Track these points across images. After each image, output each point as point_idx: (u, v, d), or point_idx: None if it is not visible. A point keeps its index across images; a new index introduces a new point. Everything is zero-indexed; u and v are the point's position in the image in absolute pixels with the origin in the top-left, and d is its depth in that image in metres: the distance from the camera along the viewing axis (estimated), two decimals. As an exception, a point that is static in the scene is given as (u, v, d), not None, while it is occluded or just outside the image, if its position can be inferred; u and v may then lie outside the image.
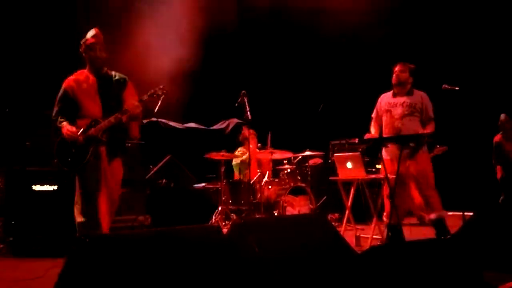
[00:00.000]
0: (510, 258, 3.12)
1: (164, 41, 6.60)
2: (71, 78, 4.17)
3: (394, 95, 5.18)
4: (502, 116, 7.40)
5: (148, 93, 4.19)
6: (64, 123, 4.02)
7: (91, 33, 4.14)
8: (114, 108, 4.09)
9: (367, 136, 5.14)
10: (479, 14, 8.29)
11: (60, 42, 6.15)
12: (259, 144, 7.32)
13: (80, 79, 4.14)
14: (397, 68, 5.14)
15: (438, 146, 7.44)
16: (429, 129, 4.95)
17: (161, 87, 4.22)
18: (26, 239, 4.82)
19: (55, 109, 4.14)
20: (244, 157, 7.07)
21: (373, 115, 5.36)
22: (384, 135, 5.15)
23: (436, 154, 7.24)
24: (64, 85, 4.16)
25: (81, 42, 4.13)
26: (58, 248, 4.56)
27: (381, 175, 5.11)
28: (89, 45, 4.10)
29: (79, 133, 3.97)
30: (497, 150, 7.51)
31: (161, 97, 4.24)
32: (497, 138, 7.51)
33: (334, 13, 7.40)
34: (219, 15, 7.54)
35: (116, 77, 4.24)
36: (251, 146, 6.69)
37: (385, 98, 5.26)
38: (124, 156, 4.29)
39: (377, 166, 7.56)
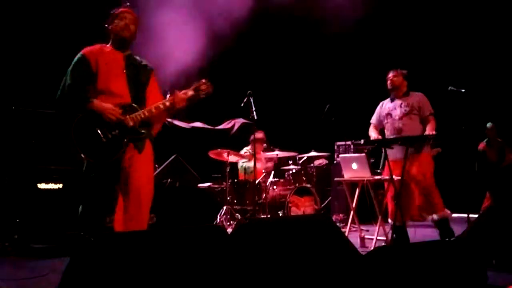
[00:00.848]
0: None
1: (171, 40, 6.60)
2: (91, 48, 3.50)
3: (392, 100, 5.35)
4: (489, 124, 7.52)
5: (193, 87, 3.63)
6: (96, 101, 3.32)
7: (122, 9, 3.56)
8: (140, 97, 3.52)
9: (373, 137, 5.23)
10: (485, 16, 8.26)
11: (67, 40, 6.17)
12: (264, 146, 7.31)
13: (104, 50, 3.50)
14: (390, 75, 5.34)
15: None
16: (432, 128, 5.01)
17: (204, 81, 3.67)
18: (30, 237, 4.83)
19: (70, 82, 3.35)
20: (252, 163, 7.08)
21: (373, 120, 5.50)
22: (389, 138, 5.22)
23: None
24: (84, 52, 3.45)
25: (110, 14, 3.56)
26: (63, 246, 4.58)
27: (386, 176, 5.12)
28: (119, 14, 3.52)
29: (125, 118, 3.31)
30: (480, 158, 7.71)
31: (204, 95, 3.68)
32: (481, 146, 7.64)
33: (342, 16, 7.38)
34: (227, 15, 7.53)
35: (143, 63, 3.67)
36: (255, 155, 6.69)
37: (385, 104, 5.44)
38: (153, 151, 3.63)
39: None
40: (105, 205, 3.36)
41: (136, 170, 3.40)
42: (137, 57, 3.66)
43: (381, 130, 5.46)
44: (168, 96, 3.57)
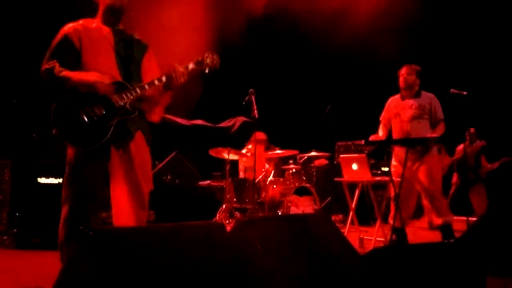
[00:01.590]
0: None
1: (173, 38, 6.59)
2: (75, 24, 3.07)
3: (403, 98, 5.16)
4: (472, 129, 7.65)
5: (195, 61, 3.18)
6: (75, 73, 2.90)
7: None
8: (133, 75, 3.11)
9: (372, 137, 5.12)
10: (487, 19, 8.25)
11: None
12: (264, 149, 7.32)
13: (89, 26, 3.08)
14: (403, 71, 5.12)
15: None
16: (438, 132, 4.92)
17: (209, 55, 3.23)
18: (30, 231, 4.84)
19: (49, 60, 2.94)
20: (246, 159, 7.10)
21: (381, 117, 5.34)
22: (394, 139, 5.15)
23: None
24: (65, 31, 3.02)
25: None
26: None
27: (388, 178, 5.12)
28: None
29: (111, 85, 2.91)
30: (460, 158, 7.78)
31: (209, 69, 3.23)
32: (461, 147, 7.71)
33: (342, 16, 7.38)
34: (230, 14, 7.54)
35: (135, 38, 3.24)
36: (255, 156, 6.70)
37: (394, 102, 5.25)
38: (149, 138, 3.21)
39: (383, 168, 7.56)
40: (97, 199, 2.98)
41: (129, 159, 3.02)
42: (128, 33, 3.22)
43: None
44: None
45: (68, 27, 3.05)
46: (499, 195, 7.53)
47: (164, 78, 3.06)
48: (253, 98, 5.87)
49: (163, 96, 3.21)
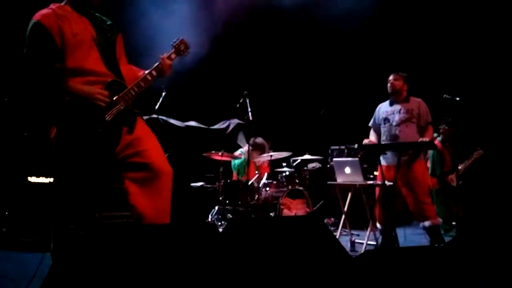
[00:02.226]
0: (503, 267, 3.12)
1: (166, 38, 6.59)
2: (48, 11, 2.76)
3: (391, 104, 5.27)
4: (446, 129, 7.58)
5: (175, 50, 3.20)
6: (73, 84, 2.71)
7: None
8: (117, 68, 2.99)
9: (366, 142, 5.20)
10: (480, 24, 8.30)
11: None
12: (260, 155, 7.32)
13: (66, 17, 2.78)
14: (390, 78, 5.25)
15: None
16: (428, 136, 4.99)
17: (181, 39, 3.25)
18: (19, 230, 4.80)
19: (35, 55, 2.66)
20: (242, 158, 7.08)
21: (371, 124, 5.43)
22: (383, 143, 5.21)
23: None
24: (37, 17, 2.70)
25: None
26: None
27: (379, 181, 5.13)
28: None
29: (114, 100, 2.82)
30: (437, 158, 7.59)
31: (186, 54, 3.25)
32: (438, 144, 7.68)
33: (338, 20, 7.40)
34: (223, 15, 7.54)
35: (108, 22, 3.07)
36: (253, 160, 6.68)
37: (382, 108, 5.36)
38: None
39: (375, 172, 7.56)
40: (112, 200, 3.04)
41: (143, 149, 3.00)
42: (102, 17, 3.07)
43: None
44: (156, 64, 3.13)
45: (42, 15, 2.73)
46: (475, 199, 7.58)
47: (154, 73, 3.07)
48: (248, 101, 5.88)
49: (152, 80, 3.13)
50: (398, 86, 5.17)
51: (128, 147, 2.95)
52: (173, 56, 3.20)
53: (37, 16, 2.72)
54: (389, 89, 5.23)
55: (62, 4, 2.89)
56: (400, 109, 5.14)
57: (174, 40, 3.27)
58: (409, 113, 5.09)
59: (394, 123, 5.14)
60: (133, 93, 2.94)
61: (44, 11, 2.76)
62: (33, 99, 2.86)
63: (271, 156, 6.80)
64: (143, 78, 3.02)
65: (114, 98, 2.86)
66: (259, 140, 7.11)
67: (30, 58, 2.69)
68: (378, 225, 5.17)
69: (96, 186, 2.89)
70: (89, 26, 2.87)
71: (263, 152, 7.18)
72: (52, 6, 2.82)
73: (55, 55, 2.71)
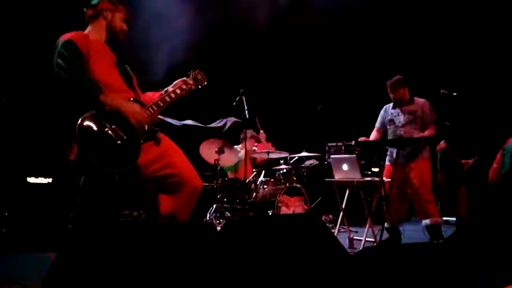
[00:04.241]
0: (503, 263, 3.13)
1: (162, 36, 6.58)
2: (77, 33, 3.03)
3: (395, 106, 5.38)
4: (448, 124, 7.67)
5: (193, 77, 3.37)
6: (114, 97, 2.88)
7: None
8: (134, 87, 3.19)
9: (361, 139, 5.25)
10: (477, 20, 8.32)
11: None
12: (255, 145, 7.31)
13: (90, 38, 3.05)
14: (390, 93, 5.31)
15: None
16: (427, 132, 5.06)
17: (198, 72, 3.43)
18: (19, 231, 4.80)
19: (71, 69, 2.81)
20: (240, 154, 7.07)
21: (377, 125, 5.56)
22: (381, 140, 5.30)
23: None
24: (67, 37, 2.94)
25: (104, 3, 3.14)
26: (52, 241, 4.55)
27: (378, 178, 5.16)
28: (120, 8, 3.19)
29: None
30: (443, 157, 7.82)
31: (201, 84, 3.45)
32: (442, 145, 7.75)
33: (335, 17, 7.41)
34: (219, 13, 7.53)
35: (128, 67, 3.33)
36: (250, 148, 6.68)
37: (388, 110, 5.48)
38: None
39: (373, 169, 7.58)
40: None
41: (171, 161, 3.17)
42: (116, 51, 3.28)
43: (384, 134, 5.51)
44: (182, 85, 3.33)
45: (71, 34, 2.98)
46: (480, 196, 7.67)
47: (179, 92, 3.27)
48: (244, 99, 5.88)
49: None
50: (399, 96, 5.28)
51: (156, 161, 3.12)
52: (191, 82, 3.37)
53: (68, 36, 2.94)
54: (393, 101, 5.35)
55: (86, 31, 3.14)
56: (404, 111, 5.27)
57: (192, 71, 3.45)
58: (413, 115, 5.21)
59: (399, 125, 5.27)
60: (152, 111, 3.10)
61: (73, 32, 3.00)
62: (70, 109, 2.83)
63: (268, 153, 6.80)
64: (162, 99, 3.19)
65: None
66: (249, 131, 7.12)
67: (70, 71, 2.82)
68: (386, 224, 5.17)
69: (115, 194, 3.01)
70: (110, 51, 3.14)
71: (257, 139, 7.20)
72: (79, 31, 3.08)
73: (80, 60, 2.89)
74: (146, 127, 3.01)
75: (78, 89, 2.80)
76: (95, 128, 2.78)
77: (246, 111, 5.88)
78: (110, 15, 3.16)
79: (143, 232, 2.30)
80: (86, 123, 2.75)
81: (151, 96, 3.33)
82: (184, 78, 3.37)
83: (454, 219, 7.10)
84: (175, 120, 8.59)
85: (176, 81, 3.35)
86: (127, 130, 2.91)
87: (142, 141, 3.00)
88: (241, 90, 5.91)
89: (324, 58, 9.05)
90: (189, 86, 3.32)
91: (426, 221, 5.04)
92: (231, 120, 9.07)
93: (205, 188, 7.09)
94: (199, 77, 3.44)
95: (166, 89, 3.32)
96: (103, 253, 2.08)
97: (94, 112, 2.80)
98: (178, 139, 7.61)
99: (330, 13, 7.20)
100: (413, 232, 5.68)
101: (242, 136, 7.12)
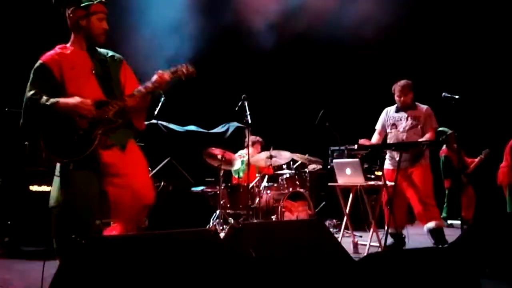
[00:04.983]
0: (507, 266, 3.11)
1: (164, 41, 6.58)
2: (52, 53, 3.21)
3: (398, 110, 5.37)
4: (449, 131, 7.62)
5: (171, 70, 3.34)
6: (62, 99, 3.04)
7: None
8: (115, 91, 3.26)
9: (362, 141, 5.23)
10: (479, 23, 8.31)
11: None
12: (259, 151, 7.30)
13: (66, 54, 3.21)
14: (398, 94, 5.30)
15: None
16: (428, 137, 5.06)
17: (184, 65, 3.38)
18: (21, 240, 4.79)
19: (33, 90, 3.07)
20: (243, 159, 7.06)
21: (377, 127, 5.53)
22: (383, 144, 5.30)
23: None
24: (43, 60, 3.16)
25: (74, 6, 3.19)
26: (54, 249, 4.54)
27: (381, 182, 5.15)
28: (97, 11, 3.21)
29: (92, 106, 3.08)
30: (445, 165, 7.89)
31: (185, 77, 3.37)
32: (445, 151, 7.75)
33: (335, 22, 7.41)
34: (222, 19, 7.55)
35: (109, 54, 3.40)
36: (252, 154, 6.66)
37: (390, 113, 5.45)
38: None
39: (376, 173, 7.57)
40: (91, 206, 3.09)
41: (125, 171, 3.21)
42: (102, 50, 3.38)
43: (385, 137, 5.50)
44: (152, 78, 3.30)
45: (46, 56, 3.18)
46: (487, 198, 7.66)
47: (151, 85, 3.25)
48: (246, 104, 5.87)
49: (144, 101, 3.35)
50: (408, 100, 5.28)
51: (116, 166, 3.19)
52: (167, 75, 3.32)
53: (42, 58, 3.18)
54: (399, 104, 5.33)
55: (67, 44, 3.29)
56: (407, 116, 5.28)
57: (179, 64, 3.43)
58: (415, 120, 5.23)
59: (401, 129, 5.27)
60: (115, 106, 3.17)
61: (48, 53, 3.20)
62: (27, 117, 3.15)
63: (271, 158, 6.78)
64: (137, 89, 3.26)
65: (99, 110, 3.13)
66: (252, 137, 7.11)
67: (30, 88, 3.11)
68: (389, 228, 5.15)
69: (91, 190, 3.10)
70: (87, 59, 3.25)
71: (261, 147, 7.19)
72: (57, 47, 3.26)
73: (55, 88, 3.11)
74: (102, 116, 3.12)
75: (34, 107, 3.06)
76: (53, 128, 3.05)
77: (249, 116, 5.87)
78: (85, 21, 3.21)
79: (145, 241, 2.29)
80: (47, 126, 3.05)
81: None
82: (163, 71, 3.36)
83: (459, 222, 7.07)
84: (178, 126, 8.60)
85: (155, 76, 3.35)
86: (84, 124, 3.08)
87: (100, 131, 3.10)
88: (243, 95, 5.90)
89: (326, 62, 9.05)
90: (164, 78, 3.30)
91: (429, 225, 5.03)
92: (233, 125, 9.08)
93: (208, 194, 7.08)
94: (183, 70, 3.38)
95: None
96: (107, 261, 2.07)
97: (54, 114, 3.04)
98: (181, 144, 7.62)
99: (333, 21, 7.21)
100: (417, 236, 5.65)
101: (246, 141, 7.10)
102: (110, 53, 3.41)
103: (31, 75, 3.15)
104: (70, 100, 3.05)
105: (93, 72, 3.23)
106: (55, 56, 3.18)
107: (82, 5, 3.18)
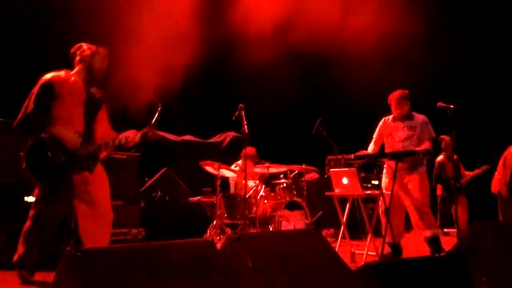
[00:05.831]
0: (503, 273, 3.11)
1: (162, 51, 6.59)
2: (58, 75, 3.73)
3: (395, 120, 5.39)
4: (447, 137, 7.63)
5: (141, 133, 3.92)
6: (58, 126, 3.59)
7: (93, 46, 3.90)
8: (91, 128, 3.81)
9: (360, 152, 5.25)
10: (474, 32, 8.37)
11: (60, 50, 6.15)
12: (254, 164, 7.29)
13: (69, 79, 3.74)
14: (395, 105, 5.33)
15: None
16: (424, 146, 5.06)
17: (151, 128, 3.97)
18: (16, 251, 4.75)
19: (33, 104, 3.57)
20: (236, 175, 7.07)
21: (374, 136, 5.51)
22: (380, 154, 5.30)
23: None
24: (50, 79, 3.66)
25: (85, 48, 3.87)
26: (50, 261, 4.51)
27: (378, 191, 5.15)
28: (102, 53, 3.88)
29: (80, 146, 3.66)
30: (439, 170, 7.86)
31: (149, 139, 3.99)
32: (440, 159, 7.77)
33: (331, 32, 7.45)
34: (219, 27, 7.57)
35: (98, 95, 3.94)
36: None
37: (387, 122, 5.47)
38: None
39: (373, 182, 7.58)
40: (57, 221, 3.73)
41: (92, 189, 3.73)
42: (94, 88, 3.91)
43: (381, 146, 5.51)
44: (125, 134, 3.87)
45: (52, 75, 3.68)
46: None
47: (117, 142, 3.81)
48: (243, 113, 5.88)
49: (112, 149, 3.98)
50: (405, 111, 5.31)
51: (83, 184, 3.71)
52: (139, 138, 3.88)
53: (49, 78, 3.66)
54: (397, 115, 5.34)
55: (72, 72, 3.81)
56: (404, 127, 5.29)
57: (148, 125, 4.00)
58: (412, 130, 5.24)
59: (397, 139, 5.27)
60: (91, 150, 3.72)
61: (55, 74, 3.70)
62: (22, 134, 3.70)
63: (268, 167, 6.78)
64: (105, 142, 3.79)
65: (80, 147, 3.67)
66: (249, 149, 7.09)
67: (31, 102, 3.58)
68: (386, 238, 5.15)
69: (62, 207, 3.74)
70: (83, 92, 3.76)
71: (255, 159, 7.18)
72: (62, 71, 3.77)
73: (52, 103, 3.61)
74: (76, 144, 3.64)
75: (28, 128, 3.59)
76: (38, 151, 3.56)
77: (246, 126, 5.88)
78: (89, 58, 3.82)
79: (142, 251, 2.28)
80: (33, 146, 3.56)
81: (108, 134, 3.95)
82: (135, 131, 3.92)
83: (455, 230, 7.07)
84: (175, 136, 8.60)
85: (127, 132, 3.91)
86: (63, 157, 3.59)
87: (75, 170, 3.66)
88: (240, 105, 5.91)
89: (322, 71, 9.08)
90: (134, 141, 3.88)
91: (426, 233, 5.04)
92: (230, 135, 9.09)
93: (205, 203, 7.07)
94: (149, 134, 3.93)
95: (117, 136, 3.90)
96: (103, 273, 2.06)
97: (36, 139, 3.56)
98: (178, 154, 7.59)
99: (329, 29, 7.24)
100: (413, 245, 5.66)
101: (242, 153, 7.10)
102: (99, 94, 3.93)
103: (38, 90, 3.61)
104: (64, 131, 3.60)
105: (84, 104, 3.74)
106: (61, 78, 3.68)
107: (85, 47, 3.84)
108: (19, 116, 3.60)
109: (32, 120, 3.57)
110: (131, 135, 3.85)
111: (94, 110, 3.84)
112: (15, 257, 3.75)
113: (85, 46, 3.88)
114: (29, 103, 3.59)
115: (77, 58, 3.86)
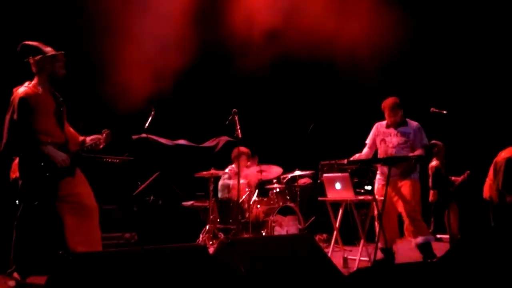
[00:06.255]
0: (495, 280, 3.12)
1: (154, 56, 6.59)
2: (28, 89, 3.81)
3: (388, 126, 5.39)
4: (440, 143, 7.65)
5: (91, 141, 4.14)
6: (50, 146, 3.78)
7: (49, 48, 3.92)
8: (64, 129, 3.97)
9: (354, 158, 5.26)
10: (468, 37, 8.42)
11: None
12: (248, 163, 7.29)
13: (36, 91, 3.82)
14: (388, 113, 5.33)
15: None
16: (417, 152, 5.09)
17: (103, 136, 4.14)
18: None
19: (24, 121, 3.69)
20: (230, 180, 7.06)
21: (368, 141, 5.53)
22: (372, 159, 5.31)
23: None
24: (24, 94, 3.73)
25: (42, 54, 3.85)
26: (46, 265, 4.48)
27: (371, 197, 5.16)
28: (59, 57, 3.91)
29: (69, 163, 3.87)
30: (435, 175, 7.82)
31: (100, 146, 4.18)
32: (435, 164, 7.78)
33: (325, 37, 7.47)
34: (212, 32, 7.58)
35: (60, 99, 4.04)
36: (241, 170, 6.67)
37: (380, 128, 5.47)
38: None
39: (366, 187, 7.59)
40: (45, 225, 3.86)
41: (74, 187, 3.89)
42: (55, 93, 4.01)
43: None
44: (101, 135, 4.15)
45: (24, 90, 3.77)
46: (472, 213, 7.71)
47: (94, 144, 4.08)
48: (236, 118, 5.88)
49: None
50: (398, 119, 5.30)
51: (67, 188, 3.87)
52: (102, 140, 4.13)
53: (23, 93, 3.74)
54: (390, 122, 5.34)
55: (34, 82, 3.87)
56: (397, 133, 5.29)
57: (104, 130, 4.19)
58: (405, 136, 5.24)
59: (390, 145, 5.28)
60: (74, 156, 3.94)
61: (26, 90, 3.78)
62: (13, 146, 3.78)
63: (261, 171, 6.79)
64: (86, 146, 4.08)
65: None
66: (242, 148, 7.08)
67: (20, 122, 3.69)
68: (379, 243, 5.15)
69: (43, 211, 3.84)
70: (52, 101, 3.89)
71: (249, 158, 7.18)
72: (28, 84, 3.85)
73: (30, 115, 3.72)
74: (67, 164, 3.83)
75: (23, 138, 3.71)
76: (30, 164, 3.76)
77: (239, 131, 5.88)
78: (50, 67, 3.88)
79: (134, 255, 2.28)
80: (25, 158, 3.78)
81: (75, 136, 4.15)
82: (98, 136, 4.15)
83: (447, 236, 7.09)
84: (168, 140, 8.57)
85: (93, 136, 4.16)
86: (52, 170, 3.79)
87: (63, 177, 3.83)
88: (234, 109, 5.92)
89: (316, 76, 9.10)
90: (100, 143, 4.13)
91: (417, 240, 5.03)
92: (224, 139, 9.07)
93: (198, 208, 7.06)
94: (109, 138, 4.15)
95: (85, 139, 4.16)
96: (96, 277, 2.05)
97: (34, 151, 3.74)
98: (171, 159, 7.59)
99: (323, 35, 7.27)
100: (406, 251, 5.66)
101: (233, 155, 7.10)
102: (61, 98, 4.02)
103: (17, 107, 3.69)
104: (56, 151, 3.78)
105: (54, 113, 3.88)
106: (32, 92, 3.78)
107: (48, 55, 3.85)
108: (6, 138, 3.72)
109: (26, 137, 3.70)
110: (99, 138, 4.12)
111: (62, 116, 3.99)
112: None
113: (39, 51, 3.88)
114: (14, 123, 3.70)
115: (37, 67, 3.89)
